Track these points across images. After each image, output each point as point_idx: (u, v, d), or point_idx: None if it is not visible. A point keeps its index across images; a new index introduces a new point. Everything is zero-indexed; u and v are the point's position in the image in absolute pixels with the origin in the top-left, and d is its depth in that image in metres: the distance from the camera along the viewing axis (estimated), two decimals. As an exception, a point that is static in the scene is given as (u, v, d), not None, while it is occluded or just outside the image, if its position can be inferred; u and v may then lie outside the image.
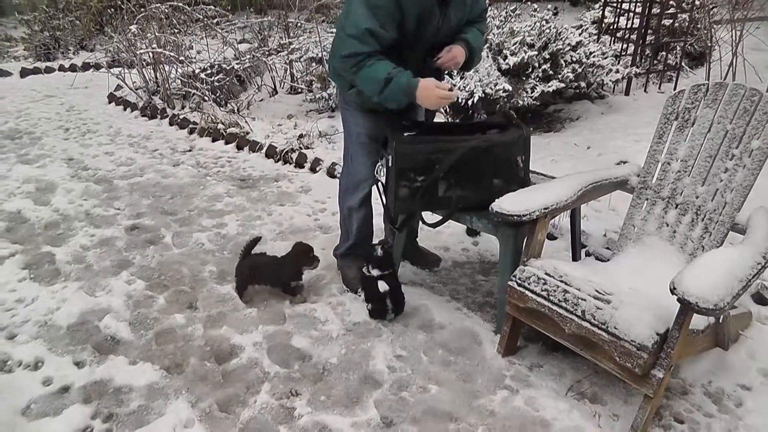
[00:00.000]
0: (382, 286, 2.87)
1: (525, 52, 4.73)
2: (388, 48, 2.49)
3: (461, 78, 4.63)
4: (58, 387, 2.49)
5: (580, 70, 4.97)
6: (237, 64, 6.52)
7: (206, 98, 6.16)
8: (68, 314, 2.95)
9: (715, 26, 5.31)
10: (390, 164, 2.69)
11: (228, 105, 6.25)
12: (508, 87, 4.56)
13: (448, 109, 4.79)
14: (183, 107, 6.37)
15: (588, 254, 2.99)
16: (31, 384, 2.50)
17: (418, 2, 2.44)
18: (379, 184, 2.88)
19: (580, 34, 5.21)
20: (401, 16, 2.44)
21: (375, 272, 2.88)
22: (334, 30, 5.88)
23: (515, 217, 2.44)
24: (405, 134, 2.66)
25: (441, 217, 2.80)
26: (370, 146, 2.89)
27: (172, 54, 6.41)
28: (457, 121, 4.77)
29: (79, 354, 2.69)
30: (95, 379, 2.53)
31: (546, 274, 2.45)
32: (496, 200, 2.52)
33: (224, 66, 6.48)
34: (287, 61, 6.51)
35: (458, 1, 2.59)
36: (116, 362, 2.64)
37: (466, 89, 4.53)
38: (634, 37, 5.81)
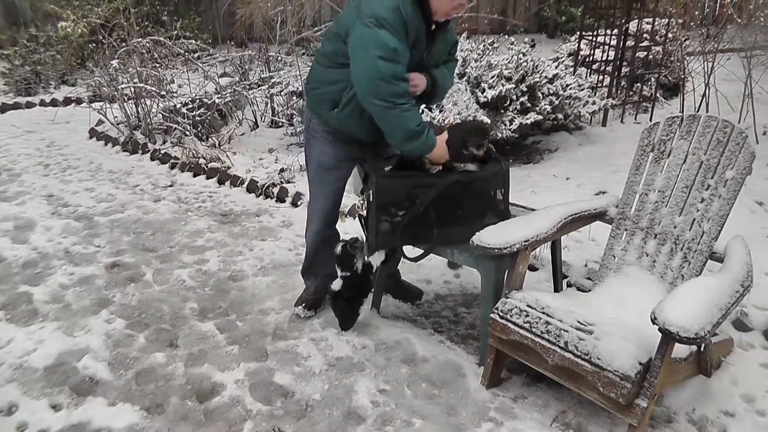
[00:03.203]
0: (336, 284, 2.96)
1: (503, 85, 4.80)
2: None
3: (440, 111, 4.68)
4: (34, 432, 2.43)
5: (557, 102, 5.05)
6: (218, 98, 6.54)
7: (187, 133, 6.16)
8: (45, 355, 2.89)
9: (687, 58, 5.43)
10: (371, 199, 2.70)
11: (209, 139, 6.24)
12: (487, 119, 4.61)
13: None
14: (164, 142, 6.36)
15: (569, 285, 3.00)
16: (5, 430, 2.43)
17: (415, 27, 2.50)
18: (360, 218, 2.89)
19: (556, 67, 5.31)
20: (406, 38, 2.50)
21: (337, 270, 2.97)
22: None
23: (496, 250, 2.46)
24: (385, 168, 2.69)
25: (422, 251, 2.82)
26: (328, 176, 2.93)
27: (153, 88, 6.43)
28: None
29: (56, 396, 2.63)
30: (73, 422, 2.48)
31: (528, 306, 2.46)
32: (477, 233, 2.54)
33: (205, 100, 6.49)
34: (268, 95, 6.54)
35: (442, 37, 2.68)
36: (95, 404, 2.59)
37: (446, 122, 4.58)
38: (609, 69, 5.93)
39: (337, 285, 2.96)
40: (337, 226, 3.16)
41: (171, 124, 6.34)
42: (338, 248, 2.93)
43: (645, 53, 6.04)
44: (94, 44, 8.45)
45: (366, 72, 2.49)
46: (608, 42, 5.98)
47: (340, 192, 3.04)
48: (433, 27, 2.60)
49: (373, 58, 2.43)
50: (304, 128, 3.00)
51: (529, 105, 4.92)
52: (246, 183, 5.20)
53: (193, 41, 7.79)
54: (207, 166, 5.56)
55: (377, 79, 2.46)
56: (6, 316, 3.25)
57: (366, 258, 2.91)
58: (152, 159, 6.09)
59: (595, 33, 6.18)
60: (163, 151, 6.07)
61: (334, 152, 2.89)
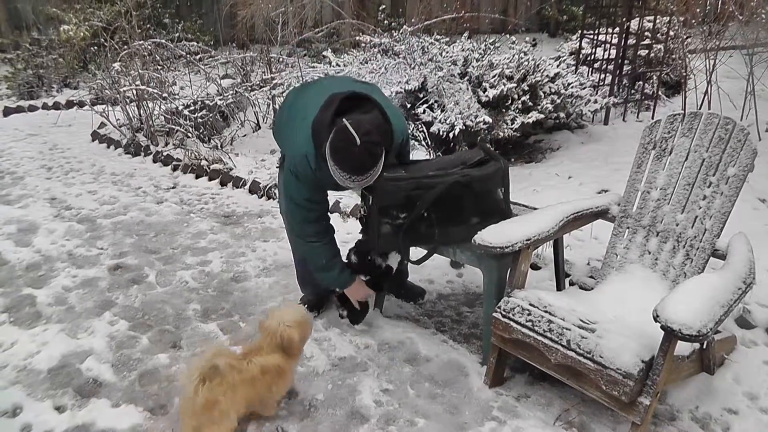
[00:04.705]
0: None
1: (504, 84, 4.81)
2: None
3: (442, 111, 4.68)
4: (38, 433, 2.43)
5: (559, 101, 5.05)
6: (220, 99, 6.55)
7: (190, 135, 6.17)
8: (49, 357, 2.90)
9: (689, 56, 5.42)
10: (371, 202, 2.71)
11: (211, 141, 6.25)
12: (489, 119, 4.61)
13: (430, 142, 4.83)
14: (166, 144, 6.37)
15: (572, 283, 3.00)
16: (10, 432, 2.44)
17: (332, 179, 2.56)
18: (361, 220, 2.90)
19: (558, 66, 5.31)
20: (322, 183, 2.68)
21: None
22: (316, 65, 5.99)
23: (498, 249, 2.46)
24: (385, 173, 2.69)
25: (425, 253, 2.82)
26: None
27: (155, 91, 6.44)
28: (439, 154, 4.80)
29: (60, 398, 2.64)
30: (77, 424, 2.48)
31: (530, 304, 2.46)
32: (479, 233, 2.54)
33: (207, 102, 6.50)
34: (270, 96, 6.55)
35: None
36: (98, 405, 2.59)
37: (447, 122, 4.58)
38: (611, 67, 5.92)
39: None
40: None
41: (173, 126, 6.35)
42: (352, 256, 2.97)
43: (647, 51, 6.03)
44: (96, 47, 8.47)
45: (284, 211, 2.96)
46: (610, 40, 5.97)
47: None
48: None
49: (288, 201, 2.78)
50: (280, 163, 2.96)
51: (530, 104, 4.92)
52: (248, 184, 5.21)
53: (195, 43, 7.79)
54: (209, 168, 5.57)
55: (291, 220, 2.88)
56: (10, 319, 3.26)
57: (381, 260, 2.94)
58: (154, 161, 6.11)
59: (596, 31, 6.18)
60: (165, 153, 6.08)
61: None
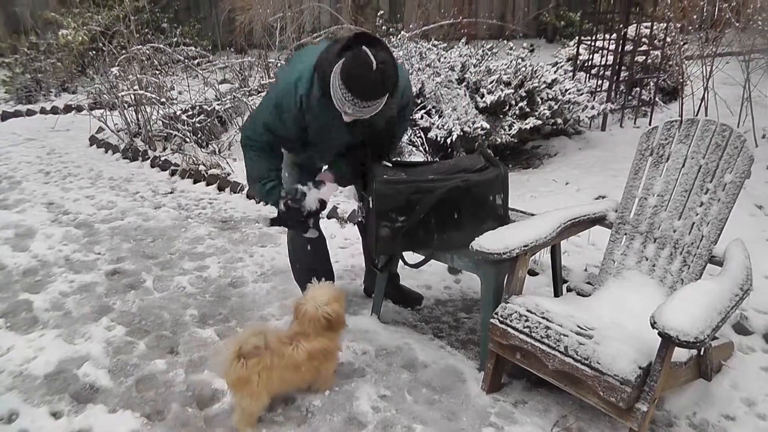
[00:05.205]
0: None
1: (502, 90, 4.82)
2: (291, 141, 2.74)
3: (439, 117, 4.69)
4: (34, 440, 2.43)
5: (556, 107, 5.07)
6: (218, 104, 6.55)
7: (187, 139, 6.17)
8: (45, 363, 2.89)
9: (686, 62, 5.44)
10: (371, 205, 2.71)
11: (209, 146, 6.25)
12: (486, 125, 4.62)
13: (428, 148, 4.84)
14: (164, 149, 6.36)
15: (569, 289, 3.01)
16: (6, 438, 2.44)
17: (318, 121, 2.57)
18: (359, 224, 2.90)
19: (555, 72, 5.32)
20: (304, 123, 2.61)
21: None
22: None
23: (495, 255, 2.46)
24: (384, 176, 2.69)
25: (422, 258, 2.82)
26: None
27: (153, 95, 6.44)
28: (437, 159, 4.81)
29: (57, 404, 2.63)
30: (73, 430, 2.48)
31: (528, 310, 2.46)
32: (476, 239, 2.54)
33: (205, 107, 6.50)
34: (268, 102, 6.54)
35: (366, 121, 2.61)
36: (95, 411, 2.59)
37: (445, 128, 4.59)
38: (608, 73, 5.93)
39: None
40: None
41: (171, 131, 6.35)
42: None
43: (644, 57, 6.06)
44: (94, 52, 8.47)
45: (249, 118, 2.88)
46: (607, 46, 5.99)
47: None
48: None
49: (252, 122, 2.78)
50: None
51: (528, 110, 4.93)
52: (246, 189, 5.20)
53: (193, 48, 7.81)
54: (207, 173, 5.56)
55: (246, 129, 2.81)
56: (6, 324, 3.25)
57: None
58: (152, 166, 6.10)
59: (594, 37, 6.20)
60: (163, 158, 6.08)
61: (291, 179, 2.97)
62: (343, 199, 4.50)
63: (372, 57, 2.33)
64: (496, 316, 2.52)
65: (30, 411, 2.58)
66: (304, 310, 2.51)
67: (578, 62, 6.34)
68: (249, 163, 2.84)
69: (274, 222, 2.95)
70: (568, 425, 2.48)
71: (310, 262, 3.16)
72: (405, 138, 4.87)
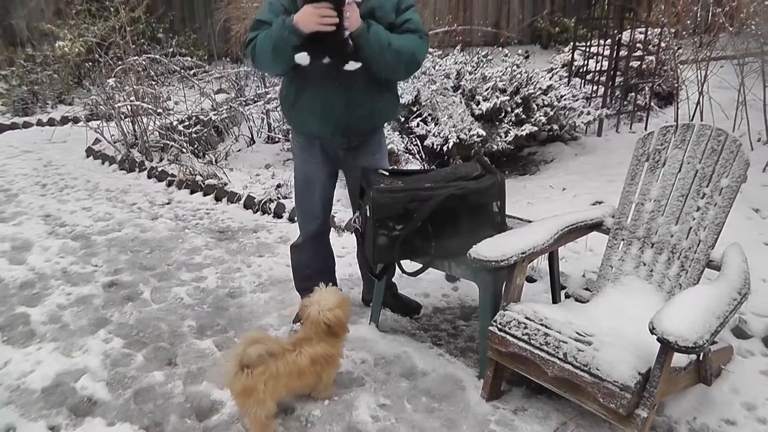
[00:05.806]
0: None
1: (497, 97, 4.83)
2: None
3: (435, 124, 4.70)
4: (31, 454, 2.42)
5: (552, 113, 5.08)
6: (214, 114, 6.55)
7: (184, 150, 6.17)
8: (43, 377, 2.87)
9: (681, 67, 5.46)
10: (368, 214, 2.71)
11: (206, 156, 6.25)
12: (482, 132, 4.63)
13: (424, 155, 4.85)
14: (161, 160, 6.36)
15: (567, 296, 3.00)
16: (4, 452, 2.43)
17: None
18: (356, 233, 2.90)
19: (550, 78, 5.34)
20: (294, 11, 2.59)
21: None
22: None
23: (493, 263, 2.46)
24: (381, 184, 2.70)
25: (420, 266, 2.82)
26: (303, 193, 3.08)
27: (150, 106, 6.44)
28: (433, 167, 4.81)
29: (54, 418, 2.61)
30: (71, 443, 2.47)
31: (526, 318, 2.46)
32: (474, 246, 2.54)
33: (202, 117, 6.51)
34: (264, 111, 6.56)
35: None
36: (93, 424, 2.57)
37: (441, 135, 4.60)
38: (603, 79, 5.96)
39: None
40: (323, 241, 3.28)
41: (168, 142, 6.35)
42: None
43: (638, 63, 6.08)
44: (90, 63, 8.48)
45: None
46: (602, 52, 6.01)
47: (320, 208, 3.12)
48: None
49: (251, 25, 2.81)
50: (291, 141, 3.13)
51: (524, 116, 4.94)
52: (243, 199, 5.20)
53: (189, 58, 7.81)
54: (204, 183, 5.56)
55: (246, 40, 2.79)
56: (3, 338, 3.24)
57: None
58: (149, 177, 6.10)
59: (588, 43, 6.22)
60: (159, 169, 6.08)
61: (304, 168, 3.05)
62: (340, 208, 4.50)
63: None
64: (494, 323, 2.51)
65: (27, 425, 2.57)
66: (308, 312, 2.54)
67: (573, 68, 6.36)
68: (261, 42, 2.67)
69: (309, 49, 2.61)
70: (568, 432, 2.48)
71: (314, 274, 3.14)
72: (401, 146, 4.87)
